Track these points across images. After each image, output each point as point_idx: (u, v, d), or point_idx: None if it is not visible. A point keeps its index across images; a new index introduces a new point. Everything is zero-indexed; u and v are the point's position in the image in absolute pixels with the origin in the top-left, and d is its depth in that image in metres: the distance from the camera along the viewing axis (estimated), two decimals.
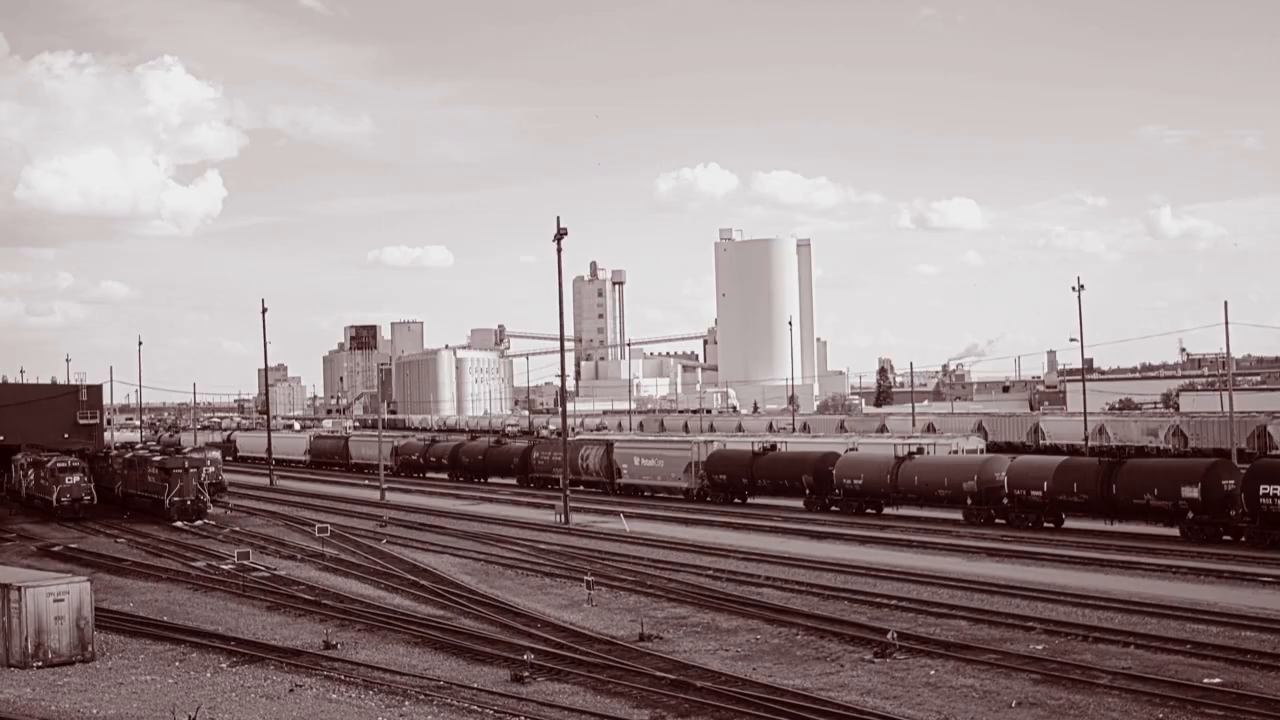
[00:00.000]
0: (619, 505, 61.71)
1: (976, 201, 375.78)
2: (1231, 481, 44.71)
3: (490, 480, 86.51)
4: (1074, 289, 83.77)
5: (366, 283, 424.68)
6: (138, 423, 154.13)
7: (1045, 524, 50.52)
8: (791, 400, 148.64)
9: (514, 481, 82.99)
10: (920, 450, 60.29)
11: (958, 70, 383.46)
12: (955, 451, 63.38)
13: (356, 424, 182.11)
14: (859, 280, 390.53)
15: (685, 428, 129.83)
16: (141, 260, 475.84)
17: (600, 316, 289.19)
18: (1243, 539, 43.70)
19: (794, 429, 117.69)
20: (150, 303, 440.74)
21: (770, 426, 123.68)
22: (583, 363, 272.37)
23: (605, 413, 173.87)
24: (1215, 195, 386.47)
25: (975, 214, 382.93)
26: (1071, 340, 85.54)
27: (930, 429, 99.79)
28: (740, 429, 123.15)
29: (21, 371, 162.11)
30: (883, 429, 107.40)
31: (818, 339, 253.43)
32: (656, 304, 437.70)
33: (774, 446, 68.14)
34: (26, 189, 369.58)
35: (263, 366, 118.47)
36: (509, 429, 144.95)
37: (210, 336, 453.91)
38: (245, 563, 44.18)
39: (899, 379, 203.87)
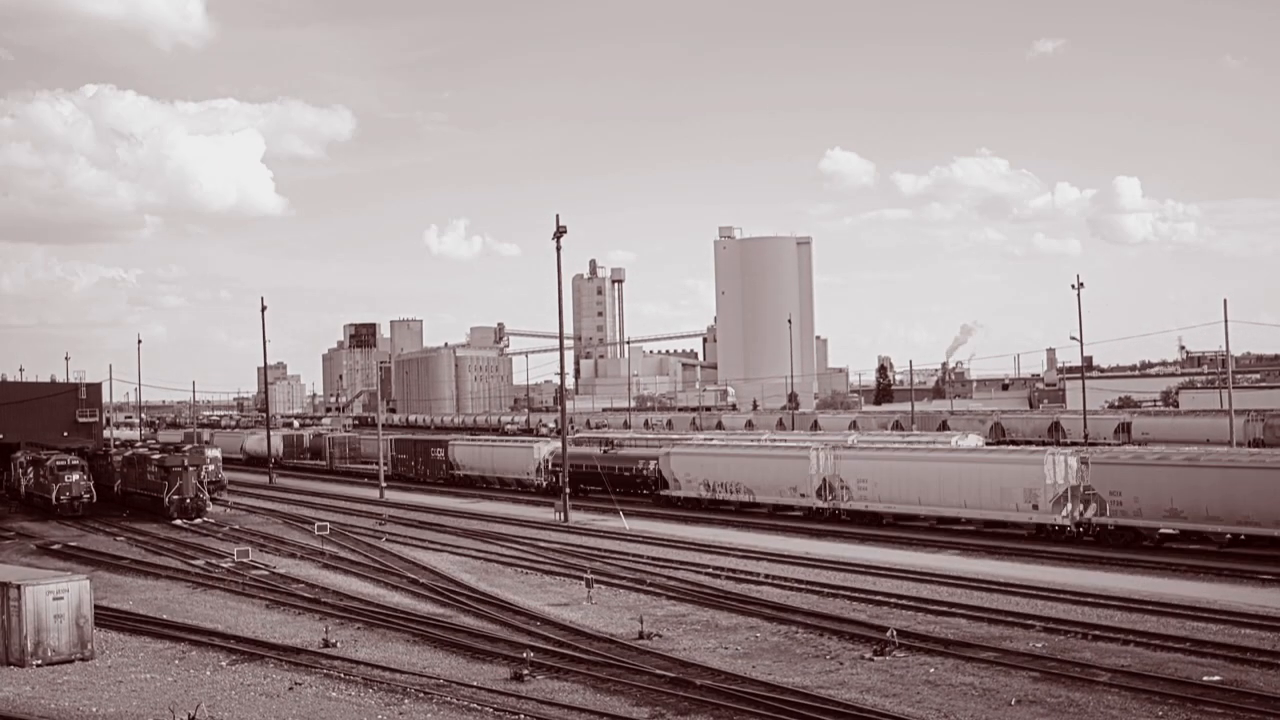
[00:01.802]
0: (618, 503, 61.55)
1: (980, 197, 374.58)
2: None
3: None
4: (1073, 287, 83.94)
5: (362, 277, 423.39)
6: (136, 421, 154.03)
7: None
8: (791, 398, 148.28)
9: None
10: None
11: (958, 68, 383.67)
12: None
13: (354, 421, 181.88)
14: (860, 278, 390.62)
15: (694, 424, 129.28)
16: (131, 257, 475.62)
17: (600, 314, 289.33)
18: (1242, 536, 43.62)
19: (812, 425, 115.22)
20: (148, 301, 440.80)
21: (781, 423, 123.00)
22: (582, 361, 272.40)
23: (605, 410, 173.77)
24: (1218, 193, 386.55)
25: (977, 211, 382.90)
26: (1072, 338, 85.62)
27: (944, 427, 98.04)
28: (750, 425, 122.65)
29: (21, 370, 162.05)
30: (897, 425, 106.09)
31: (818, 337, 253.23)
32: (657, 301, 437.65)
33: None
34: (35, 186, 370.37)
35: (262, 365, 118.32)
36: (508, 426, 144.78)
37: (210, 335, 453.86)
38: (245, 561, 44.22)
39: (899, 377, 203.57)
